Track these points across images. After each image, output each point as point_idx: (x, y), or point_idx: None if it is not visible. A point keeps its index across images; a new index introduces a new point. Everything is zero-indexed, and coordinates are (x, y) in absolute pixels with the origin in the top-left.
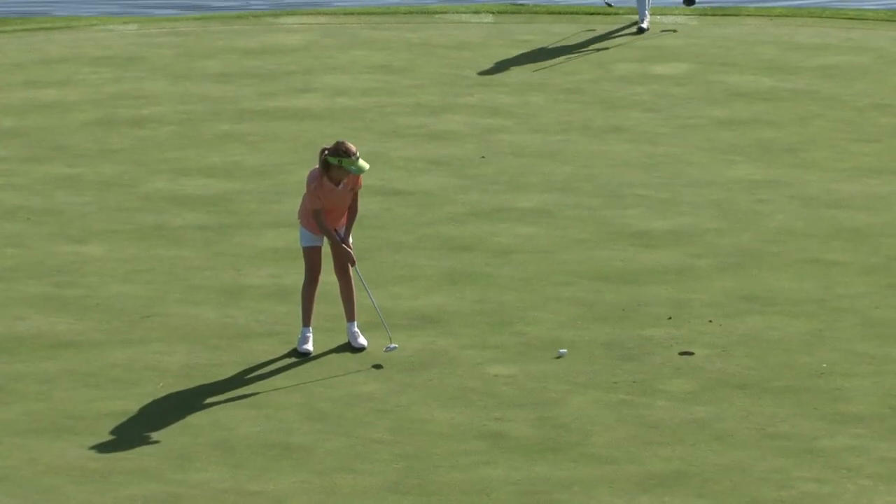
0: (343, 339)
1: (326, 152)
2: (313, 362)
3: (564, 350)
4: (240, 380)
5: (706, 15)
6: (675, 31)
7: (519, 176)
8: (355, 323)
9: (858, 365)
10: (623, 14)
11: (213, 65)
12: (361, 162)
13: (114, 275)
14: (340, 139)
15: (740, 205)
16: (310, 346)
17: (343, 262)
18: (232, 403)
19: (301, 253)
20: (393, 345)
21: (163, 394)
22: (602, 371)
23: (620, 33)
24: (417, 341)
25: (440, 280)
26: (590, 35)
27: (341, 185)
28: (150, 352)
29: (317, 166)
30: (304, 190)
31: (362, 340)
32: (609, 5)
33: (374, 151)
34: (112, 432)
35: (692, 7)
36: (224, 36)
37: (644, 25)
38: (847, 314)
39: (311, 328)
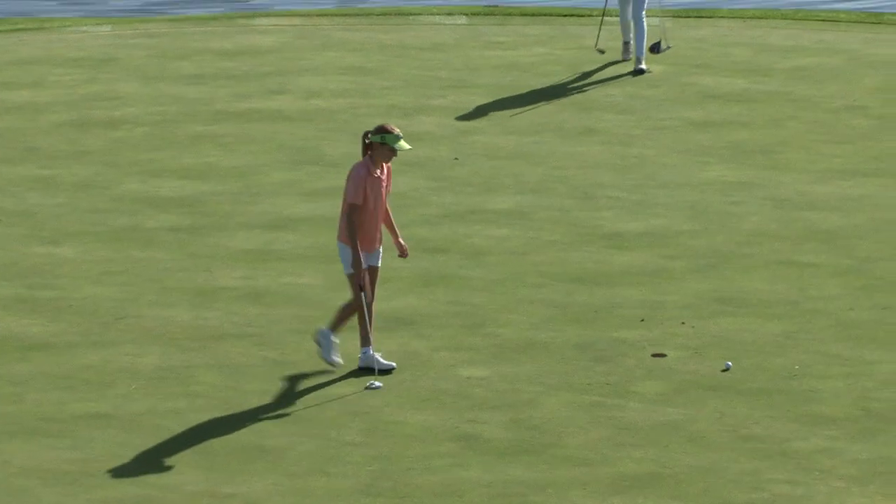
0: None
1: (370, 135)
2: (286, 364)
3: (730, 363)
4: (213, 382)
5: (680, 17)
6: (603, 52)
7: (492, 178)
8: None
9: (831, 367)
10: (596, 15)
11: (187, 66)
12: (403, 141)
13: (87, 276)
14: (381, 123)
15: (713, 206)
16: (382, 362)
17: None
18: (205, 405)
19: (347, 281)
20: (377, 383)
21: (136, 396)
22: (575, 373)
23: (594, 35)
24: (390, 343)
25: (413, 282)
26: (563, 37)
27: (381, 173)
28: (123, 353)
29: (359, 161)
30: (282, 191)
31: (389, 362)
32: (601, 52)
33: (348, 153)
34: (85, 434)
35: (657, 53)
36: (198, 37)
37: (643, 67)
38: (820, 316)
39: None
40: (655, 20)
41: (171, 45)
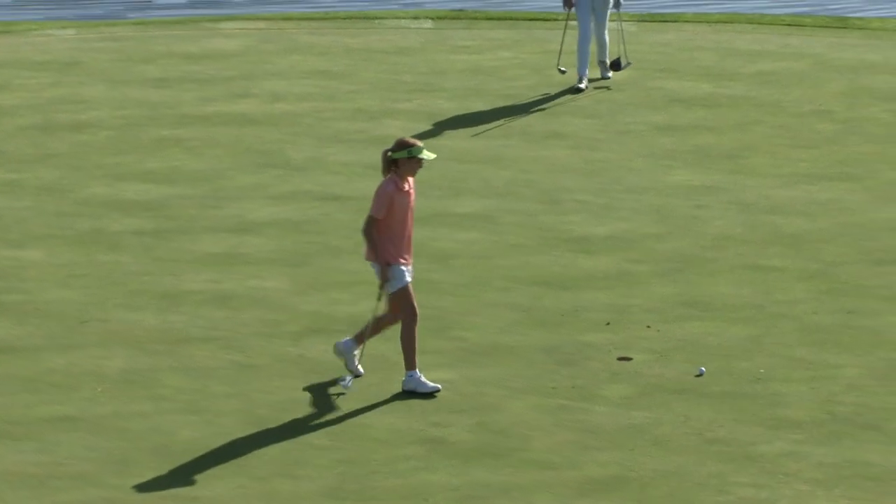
0: (281, 347)
1: (390, 152)
2: (252, 368)
3: (703, 369)
4: (178, 385)
5: (645, 21)
6: (564, 71)
7: (458, 181)
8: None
9: (796, 370)
10: (560, 19)
11: (152, 70)
12: (427, 151)
13: (52, 280)
14: (399, 138)
15: (679, 211)
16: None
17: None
18: (171, 408)
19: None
20: (349, 380)
21: (101, 399)
22: (541, 376)
23: (559, 40)
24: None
25: (378, 285)
26: (529, 41)
27: (408, 187)
28: (88, 357)
29: (386, 179)
30: (247, 194)
31: (431, 384)
32: (562, 71)
33: (313, 157)
34: (50, 437)
35: (618, 70)
36: (163, 41)
37: (582, 85)
38: (785, 320)
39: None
40: (620, 24)
41: (136, 48)
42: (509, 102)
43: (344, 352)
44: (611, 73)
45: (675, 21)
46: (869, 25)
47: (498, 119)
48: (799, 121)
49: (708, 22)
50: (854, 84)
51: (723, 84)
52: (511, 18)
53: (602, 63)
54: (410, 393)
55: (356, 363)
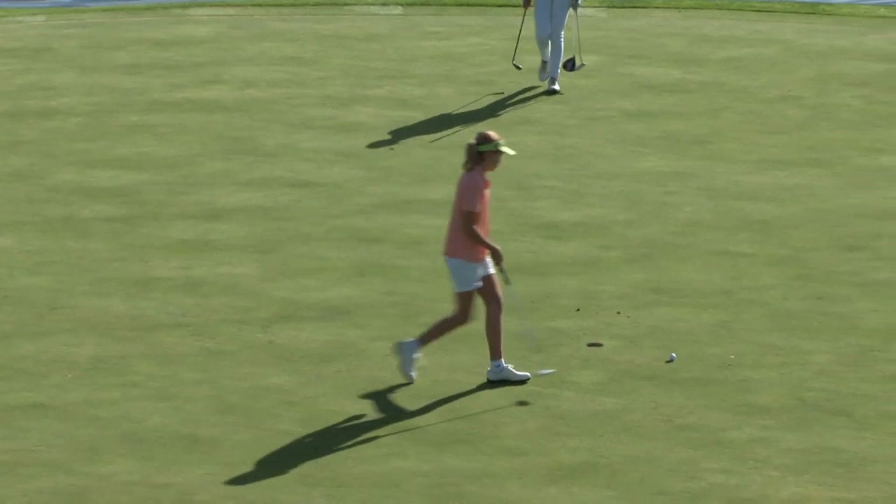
0: (253, 334)
1: (478, 146)
2: (222, 354)
3: (674, 354)
4: (148, 371)
5: (615, 7)
6: (520, 68)
7: (428, 168)
8: (502, 361)
9: (766, 356)
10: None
11: (122, 56)
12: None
13: (22, 266)
14: (480, 132)
15: (649, 196)
16: (520, 373)
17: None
18: (140, 395)
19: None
20: (546, 370)
21: (71, 386)
22: (512, 362)
23: (529, 27)
24: (326, 333)
25: (349, 272)
26: (498, 27)
27: (486, 178)
28: (58, 344)
29: (467, 172)
30: (217, 181)
31: (522, 373)
32: (518, 68)
33: (283, 143)
34: (20, 424)
35: (572, 71)
36: (133, 27)
37: (556, 87)
38: (755, 306)
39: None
40: (577, 25)
41: (106, 35)
42: (479, 89)
43: (403, 351)
44: (557, 86)
45: (645, 7)
46: (839, 11)
47: (468, 105)
48: (768, 107)
49: (678, 8)
50: (823, 70)
51: (692, 70)
52: (480, 5)
53: (552, 79)
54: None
55: (410, 370)
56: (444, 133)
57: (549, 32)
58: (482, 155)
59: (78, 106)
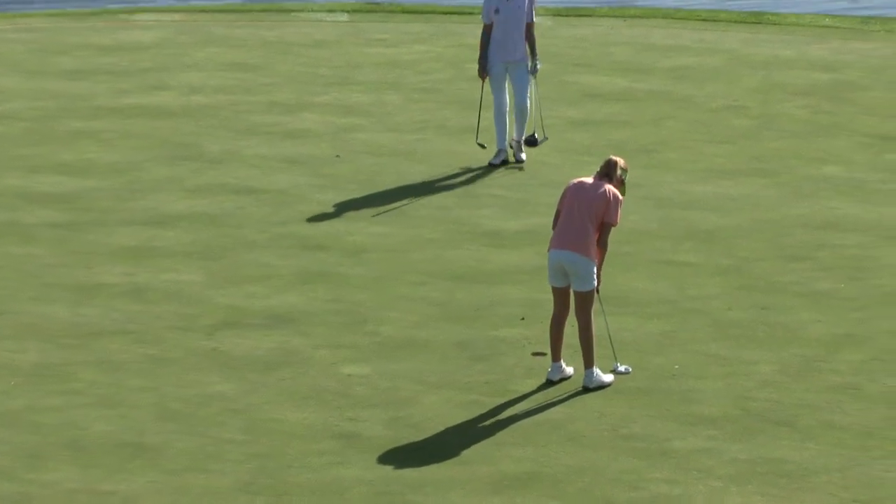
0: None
1: (623, 171)
2: (166, 361)
3: (630, 368)
4: (92, 378)
5: (560, 15)
6: (484, 146)
7: (374, 175)
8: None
9: (710, 366)
10: (476, 13)
11: (67, 61)
12: None
13: None
14: (611, 156)
15: None
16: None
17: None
18: (84, 402)
19: (588, 297)
20: (623, 367)
21: (14, 392)
22: (455, 371)
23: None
24: (271, 341)
25: (293, 279)
26: (445, 35)
27: None
28: (1, 350)
29: (599, 181)
30: (162, 187)
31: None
32: (482, 146)
33: (229, 149)
34: None
35: (533, 146)
36: (78, 32)
37: (522, 156)
38: (699, 316)
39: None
40: (537, 94)
41: (50, 39)
42: (425, 96)
43: (597, 382)
44: (524, 156)
45: (591, 16)
46: (784, 21)
47: (413, 113)
48: (714, 116)
49: (623, 16)
50: (768, 80)
51: (638, 79)
52: (427, 12)
53: (517, 143)
54: (589, 389)
55: (620, 369)
56: (391, 140)
57: (507, 103)
58: (620, 177)
59: (22, 111)
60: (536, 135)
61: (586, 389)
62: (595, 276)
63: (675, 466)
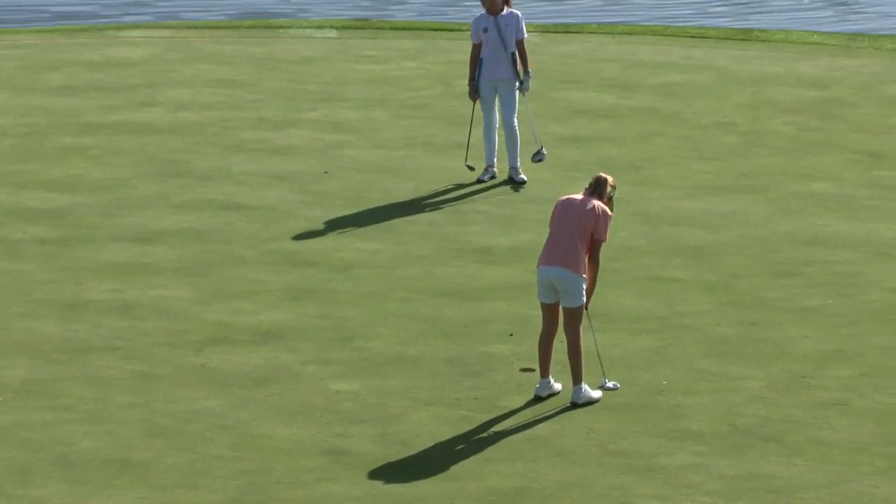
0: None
1: (612, 189)
2: (154, 377)
3: (613, 384)
4: (81, 395)
5: (549, 32)
6: (472, 168)
7: (362, 191)
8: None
9: (699, 382)
10: (465, 30)
11: (56, 77)
12: None
13: None
14: (600, 174)
15: None
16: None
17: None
18: (72, 418)
19: (578, 313)
20: (611, 383)
21: (2, 408)
22: (444, 387)
23: (465, 51)
24: (259, 357)
25: (282, 295)
26: (433, 51)
27: None
28: None
29: (589, 197)
30: (150, 203)
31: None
32: (471, 168)
33: (217, 166)
34: None
35: (539, 162)
36: (67, 49)
37: (522, 177)
38: (688, 332)
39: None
40: (528, 109)
41: (40, 56)
42: (413, 112)
43: (585, 398)
44: (524, 176)
45: (579, 32)
46: (772, 38)
47: (402, 129)
48: (702, 133)
49: (612, 33)
50: (757, 96)
51: (626, 95)
52: (415, 28)
53: (513, 168)
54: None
55: (609, 385)
56: (378, 157)
57: (496, 120)
58: (609, 195)
59: (11, 127)
60: (544, 150)
61: (574, 405)
62: (584, 292)
63: (663, 482)
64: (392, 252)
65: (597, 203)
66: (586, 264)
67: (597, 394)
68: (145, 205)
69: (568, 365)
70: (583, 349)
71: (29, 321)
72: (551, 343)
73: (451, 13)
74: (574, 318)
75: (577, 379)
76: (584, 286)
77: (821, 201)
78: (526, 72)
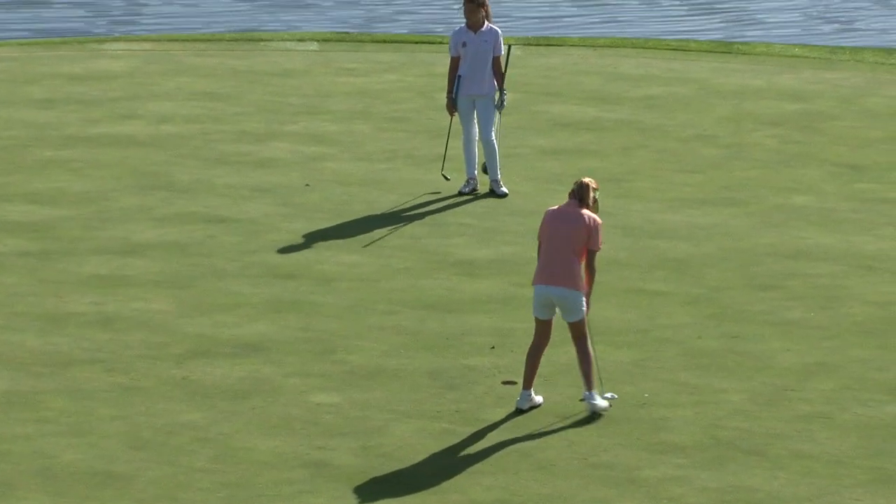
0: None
1: (596, 194)
2: (136, 390)
3: (611, 395)
4: (62, 407)
5: (530, 45)
6: (448, 179)
7: (343, 204)
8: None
9: (680, 395)
10: (445, 43)
11: (37, 90)
12: None
13: None
14: (582, 179)
15: None
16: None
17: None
18: (54, 431)
19: (577, 326)
20: (609, 394)
21: None
22: (425, 400)
23: (445, 64)
24: (241, 369)
25: (264, 308)
26: (414, 64)
27: None
28: None
29: (578, 207)
30: (132, 216)
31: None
32: (447, 179)
33: (199, 179)
34: None
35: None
36: (48, 61)
37: (504, 189)
38: (669, 344)
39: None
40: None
41: (20, 69)
42: (395, 125)
43: (594, 404)
44: (505, 189)
45: (561, 45)
46: (753, 51)
47: (383, 142)
48: (683, 145)
49: (593, 46)
50: (738, 109)
51: (608, 108)
52: (396, 41)
53: (495, 181)
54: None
55: (607, 396)
56: (360, 170)
57: (475, 133)
58: (593, 198)
59: None
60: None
61: (594, 414)
62: (584, 304)
63: (645, 495)
64: (374, 265)
65: (586, 214)
66: (584, 276)
67: (604, 403)
68: (127, 218)
69: (550, 378)
70: (593, 357)
71: (10, 334)
72: (539, 357)
73: (439, 29)
74: (579, 330)
75: (589, 387)
76: (585, 299)
77: (802, 214)
78: (502, 90)
